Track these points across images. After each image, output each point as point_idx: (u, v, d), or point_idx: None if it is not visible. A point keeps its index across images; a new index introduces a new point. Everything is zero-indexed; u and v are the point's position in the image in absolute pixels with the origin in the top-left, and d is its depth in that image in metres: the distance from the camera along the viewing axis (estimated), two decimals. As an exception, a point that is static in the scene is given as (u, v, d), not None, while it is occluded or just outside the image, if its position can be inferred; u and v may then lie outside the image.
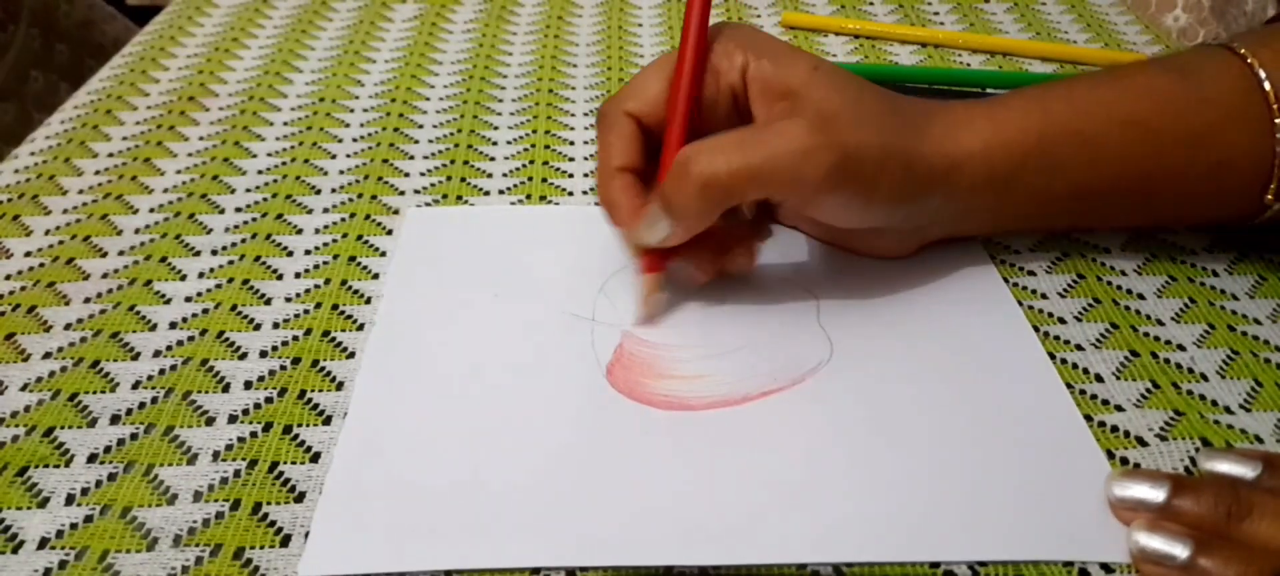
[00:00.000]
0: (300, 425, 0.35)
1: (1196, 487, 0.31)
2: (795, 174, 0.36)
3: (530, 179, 0.49)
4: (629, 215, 0.38)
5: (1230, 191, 0.40)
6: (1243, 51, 0.40)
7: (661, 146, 0.39)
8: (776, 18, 0.69)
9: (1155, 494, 0.31)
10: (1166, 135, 0.40)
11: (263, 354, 0.38)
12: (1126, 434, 0.35)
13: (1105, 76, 0.42)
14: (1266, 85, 0.39)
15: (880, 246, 0.42)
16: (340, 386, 0.36)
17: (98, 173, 0.49)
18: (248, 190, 0.48)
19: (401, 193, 0.48)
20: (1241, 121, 0.39)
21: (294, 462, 0.33)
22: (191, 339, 0.38)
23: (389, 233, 0.45)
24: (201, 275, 0.42)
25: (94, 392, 0.36)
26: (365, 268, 0.43)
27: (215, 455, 0.33)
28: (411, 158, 0.51)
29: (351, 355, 0.38)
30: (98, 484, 0.32)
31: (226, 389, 0.36)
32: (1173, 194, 0.41)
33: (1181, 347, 0.39)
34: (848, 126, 0.36)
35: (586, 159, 0.51)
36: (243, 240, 0.44)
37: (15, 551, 0.30)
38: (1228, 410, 0.36)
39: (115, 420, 0.35)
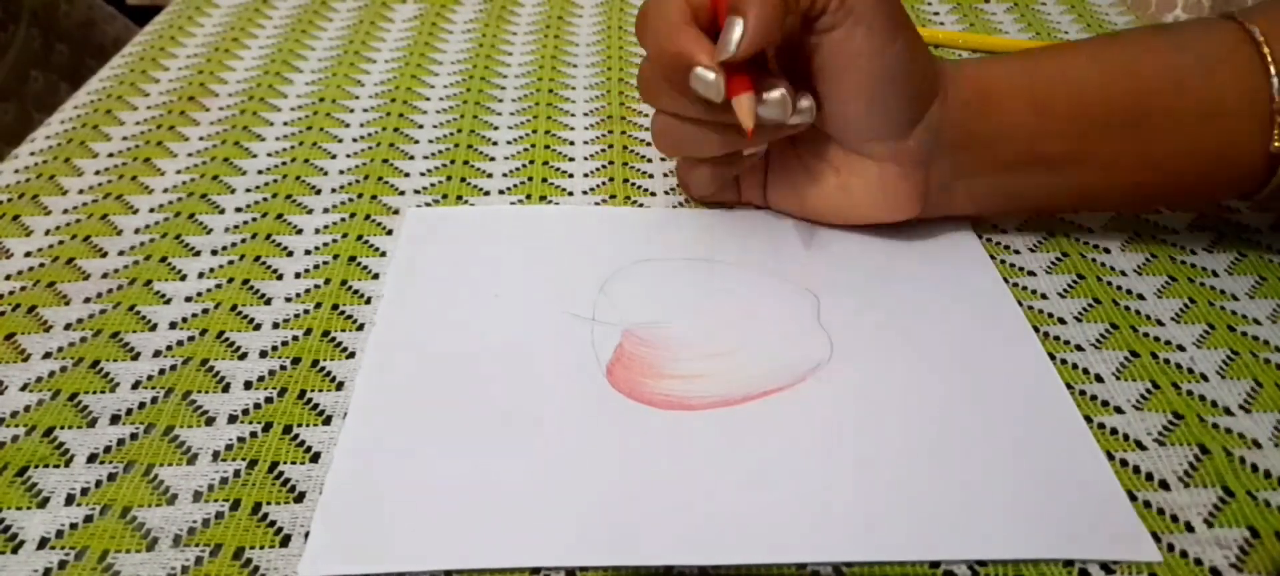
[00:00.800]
0: (300, 425, 0.35)
1: None
2: None
3: (530, 179, 0.49)
4: (706, 51, 0.38)
5: (1229, 142, 0.39)
6: (1232, 14, 0.40)
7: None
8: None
9: None
10: (1150, 74, 0.40)
11: (263, 354, 0.38)
12: (1126, 437, 0.35)
13: (1095, 38, 0.43)
14: (1257, 34, 0.39)
15: (886, 184, 0.42)
16: (340, 386, 0.36)
17: (98, 173, 0.49)
18: (248, 190, 0.48)
19: (401, 193, 0.48)
20: (1229, 67, 0.39)
21: (294, 462, 0.33)
22: (191, 339, 0.38)
23: (389, 232, 0.45)
24: (201, 275, 0.42)
25: (94, 392, 0.36)
26: (365, 267, 0.43)
27: (215, 455, 0.33)
28: (412, 158, 0.51)
29: (351, 355, 0.38)
30: (98, 484, 0.32)
31: (226, 389, 0.36)
32: (1161, 138, 0.40)
33: (1181, 348, 0.39)
34: None
35: (587, 159, 0.51)
36: (243, 240, 0.44)
37: (15, 551, 0.30)
38: (1227, 411, 0.36)
39: (115, 420, 0.35)
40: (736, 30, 0.37)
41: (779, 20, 0.37)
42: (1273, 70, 0.38)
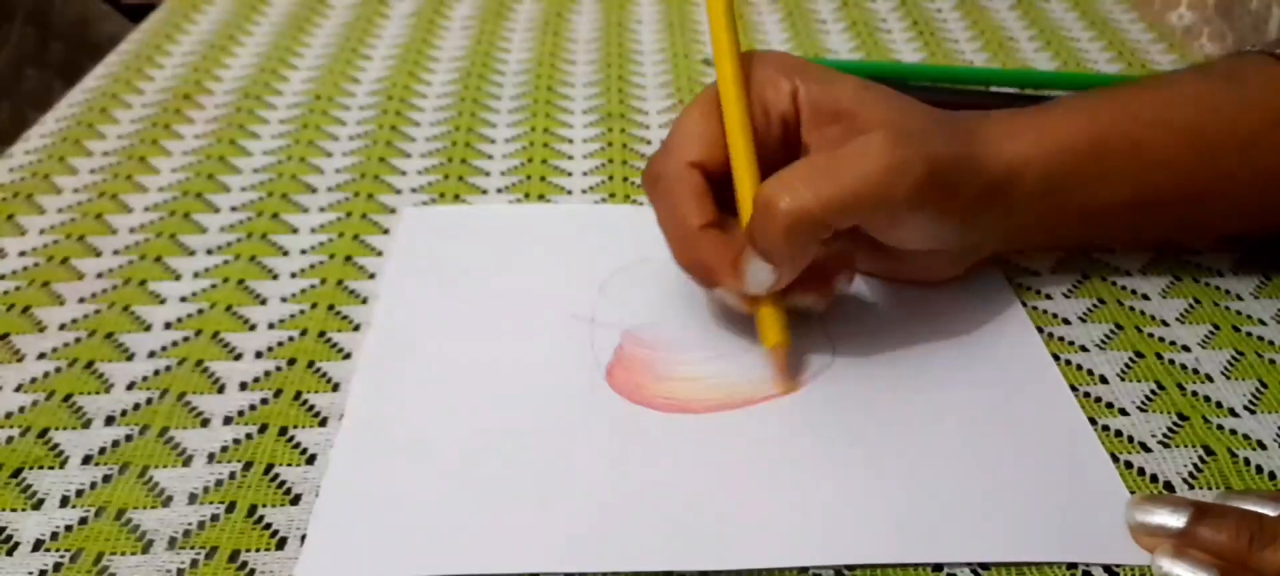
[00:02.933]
0: (296, 427, 0.34)
1: (1218, 515, 0.30)
2: (886, 192, 0.34)
3: (529, 178, 0.49)
4: (729, 269, 0.36)
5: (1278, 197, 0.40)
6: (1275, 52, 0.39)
7: (732, 192, 0.37)
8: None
9: (1176, 520, 0.30)
10: (1217, 141, 0.39)
11: (258, 355, 0.38)
12: (1131, 439, 0.35)
13: (1149, 83, 0.42)
14: None
15: (934, 270, 0.41)
16: (336, 388, 0.36)
17: (92, 171, 0.49)
18: (243, 189, 0.48)
19: (398, 192, 0.48)
20: None
21: (290, 465, 0.33)
22: (187, 339, 0.38)
23: (386, 232, 0.45)
24: (196, 275, 0.42)
25: (88, 393, 0.36)
26: (362, 268, 0.42)
27: (210, 457, 0.33)
28: (408, 156, 0.51)
29: (348, 356, 0.38)
30: (92, 485, 0.32)
31: (222, 390, 0.36)
32: (1224, 201, 0.40)
33: (1186, 348, 0.39)
34: (919, 138, 0.35)
35: (585, 157, 0.51)
36: (238, 240, 0.44)
37: (9, 553, 0.30)
38: (1232, 412, 0.36)
39: (110, 421, 0.34)
40: (763, 277, 0.35)
41: (805, 262, 0.35)
42: None
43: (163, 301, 0.40)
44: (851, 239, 0.37)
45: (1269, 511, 0.30)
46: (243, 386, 0.36)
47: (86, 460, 0.33)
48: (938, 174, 0.34)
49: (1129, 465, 0.33)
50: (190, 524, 0.31)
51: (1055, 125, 0.38)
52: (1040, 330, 0.39)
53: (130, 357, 0.37)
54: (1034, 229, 0.40)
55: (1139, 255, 0.44)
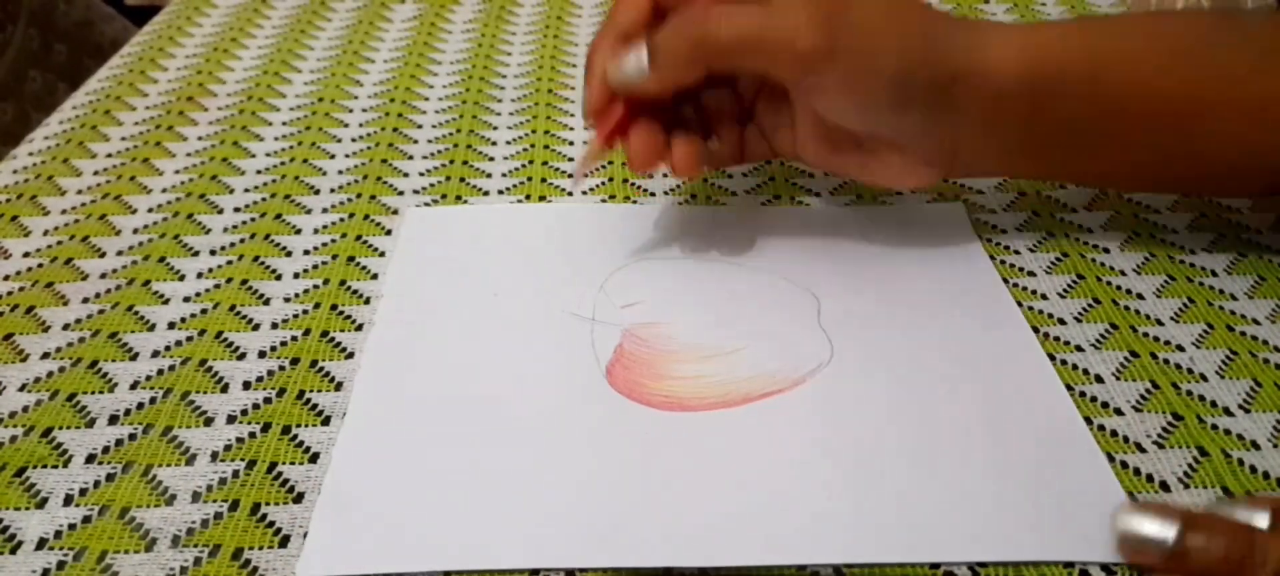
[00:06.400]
0: (299, 425, 0.35)
1: (1208, 528, 0.29)
2: (788, 40, 0.36)
3: (529, 179, 0.49)
4: (608, 51, 0.39)
5: (1271, 138, 0.39)
6: None
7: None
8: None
9: (1166, 532, 0.29)
10: (1208, 64, 0.39)
11: (261, 354, 0.38)
12: (1126, 438, 0.35)
13: (1148, 13, 0.42)
14: None
15: (907, 166, 0.40)
16: (339, 387, 0.36)
17: (96, 173, 0.49)
18: (246, 190, 0.48)
19: (400, 192, 0.48)
20: None
21: (293, 463, 0.33)
22: (190, 339, 0.38)
23: (388, 232, 0.45)
24: (200, 275, 0.42)
25: (92, 393, 0.36)
26: (364, 268, 0.43)
27: (214, 456, 0.33)
28: (410, 157, 0.51)
29: (350, 355, 0.38)
30: (96, 484, 0.32)
31: (225, 389, 0.36)
32: (1211, 132, 0.39)
33: (1180, 348, 0.39)
34: (856, 7, 0.36)
35: (586, 159, 0.51)
36: (241, 240, 0.44)
37: (14, 552, 0.30)
38: (1227, 411, 0.36)
39: (114, 420, 0.35)
40: (635, 66, 0.37)
41: (678, 81, 0.38)
42: None
43: (166, 301, 0.40)
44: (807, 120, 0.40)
45: (1260, 521, 0.29)
46: (246, 385, 0.36)
47: (90, 459, 0.33)
48: (849, 30, 0.36)
49: (1124, 465, 0.34)
50: (193, 522, 0.31)
51: (1045, 31, 0.39)
52: (1036, 329, 0.39)
53: (134, 357, 0.37)
54: (1009, 129, 0.39)
55: (1134, 254, 0.44)
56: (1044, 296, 0.41)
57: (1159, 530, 0.29)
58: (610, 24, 0.39)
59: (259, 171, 0.50)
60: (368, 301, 0.41)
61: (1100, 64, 0.38)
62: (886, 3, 0.37)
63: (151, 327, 0.39)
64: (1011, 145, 0.40)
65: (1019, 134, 0.39)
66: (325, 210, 0.47)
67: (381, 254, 0.44)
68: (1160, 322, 0.40)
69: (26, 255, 0.43)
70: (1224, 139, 0.39)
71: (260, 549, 0.30)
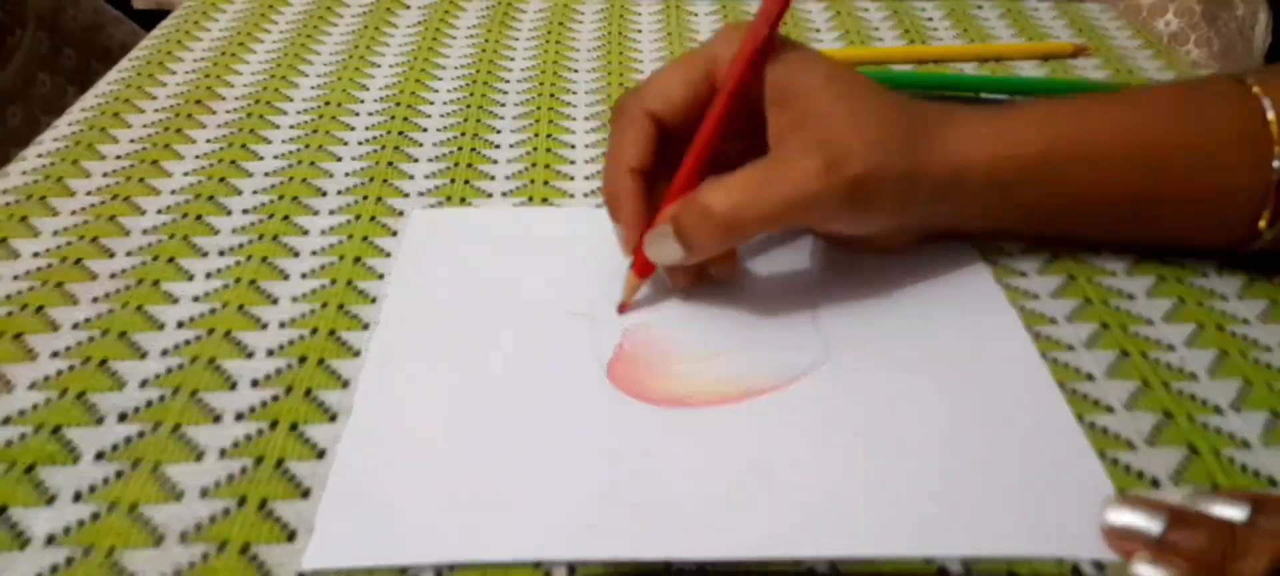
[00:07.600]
0: (306, 423, 0.35)
1: (1192, 522, 0.30)
2: (809, 211, 0.38)
3: (532, 181, 0.50)
4: (633, 218, 0.39)
5: (1227, 219, 0.41)
6: (1250, 82, 0.40)
7: (674, 151, 0.39)
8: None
9: (1152, 525, 0.30)
10: (1169, 158, 0.40)
11: (269, 353, 0.38)
12: (1117, 436, 0.35)
13: (1116, 97, 0.43)
14: (1270, 114, 0.39)
15: (879, 245, 0.43)
16: (346, 385, 0.37)
17: (105, 175, 0.50)
18: (254, 192, 0.49)
19: (406, 194, 0.49)
20: (1242, 149, 0.39)
21: (300, 459, 0.34)
22: (198, 338, 0.39)
23: (394, 234, 0.45)
24: (208, 276, 0.42)
25: (101, 391, 0.36)
26: (370, 268, 0.43)
27: (222, 452, 0.34)
28: (416, 160, 0.52)
29: (357, 354, 0.38)
30: (105, 481, 0.33)
31: (233, 387, 0.37)
32: (1171, 216, 0.42)
33: (1171, 347, 0.39)
34: (858, 156, 0.37)
35: (588, 161, 0.52)
36: (249, 241, 0.45)
37: (22, 548, 0.30)
38: (1217, 410, 0.36)
39: (123, 418, 0.35)
40: (669, 253, 0.38)
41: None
42: (1278, 148, 0.39)
43: (175, 301, 0.41)
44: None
45: (1238, 514, 0.31)
46: (254, 383, 0.37)
47: (99, 456, 0.34)
48: (864, 192, 0.38)
49: (1115, 462, 0.34)
50: (202, 518, 0.32)
51: (1014, 130, 0.41)
52: (1029, 328, 0.40)
53: (143, 356, 0.38)
54: (979, 217, 0.42)
55: (1126, 256, 0.44)
56: (1037, 296, 0.42)
57: (1146, 522, 0.31)
58: (616, 155, 0.40)
59: (267, 173, 0.50)
60: (374, 301, 0.41)
61: (1062, 169, 0.41)
62: (884, 126, 0.38)
63: (160, 327, 0.40)
64: (974, 221, 0.43)
65: (983, 220, 0.42)
66: (332, 212, 0.47)
67: (387, 254, 0.44)
68: (1151, 322, 0.41)
69: (36, 255, 0.43)
70: (1182, 221, 0.42)
71: (268, 544, 0.31)
